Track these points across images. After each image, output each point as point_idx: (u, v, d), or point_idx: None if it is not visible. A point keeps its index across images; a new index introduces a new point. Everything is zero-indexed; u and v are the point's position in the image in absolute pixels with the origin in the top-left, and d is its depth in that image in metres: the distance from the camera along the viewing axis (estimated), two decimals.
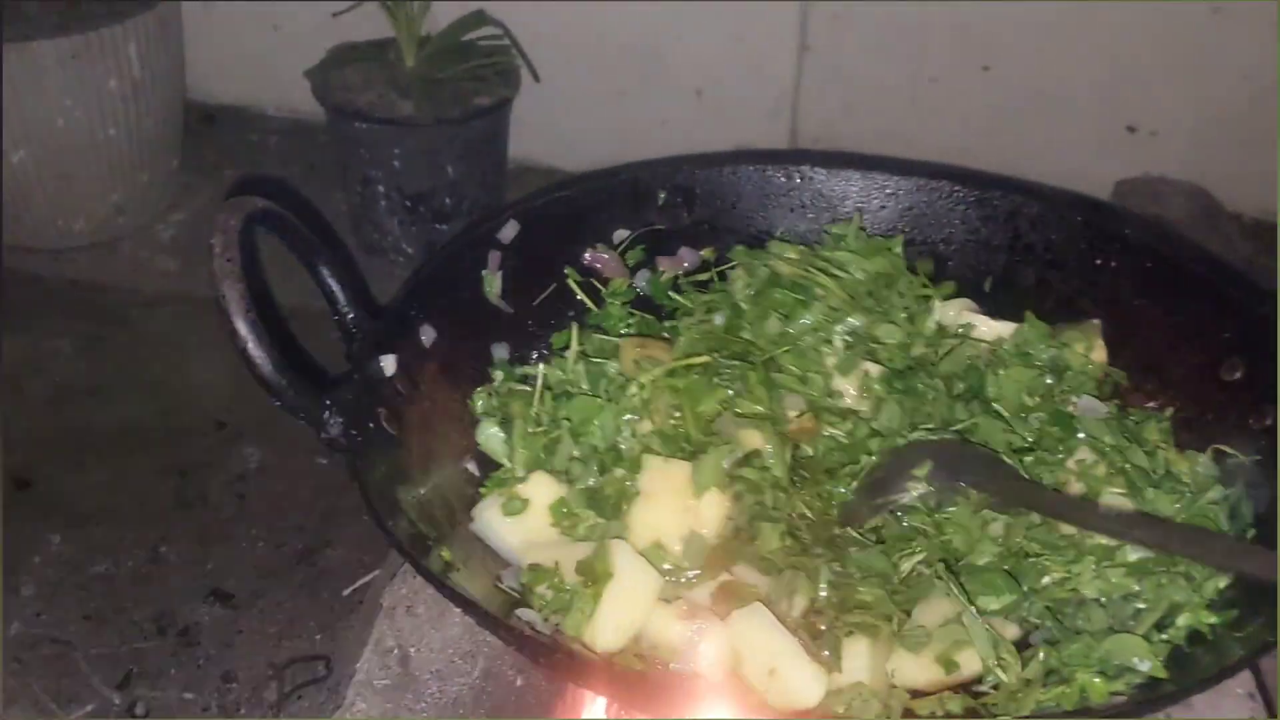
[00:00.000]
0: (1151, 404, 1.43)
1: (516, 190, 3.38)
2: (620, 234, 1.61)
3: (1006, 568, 1.23)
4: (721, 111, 3.39)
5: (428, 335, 1.41)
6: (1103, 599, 1.21)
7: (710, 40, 3.30)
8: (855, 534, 1.28)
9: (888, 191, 1.61)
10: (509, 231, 1.52)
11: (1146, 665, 1.13)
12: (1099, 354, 1.46)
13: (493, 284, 1.51)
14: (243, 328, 1.16)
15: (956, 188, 1.58)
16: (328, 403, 1.22)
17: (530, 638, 1.09)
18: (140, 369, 2.91)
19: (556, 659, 1.09)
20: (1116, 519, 1.20)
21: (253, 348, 1.16)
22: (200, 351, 2.92)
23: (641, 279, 1.61)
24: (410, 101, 3.03)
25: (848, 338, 1.43)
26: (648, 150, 1.72)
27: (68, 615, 2.33)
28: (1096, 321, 1.49)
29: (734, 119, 3.38)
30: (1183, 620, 1.17)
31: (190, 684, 2.23)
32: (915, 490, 1.29)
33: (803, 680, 1.12)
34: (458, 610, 1.38)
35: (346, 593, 2.35)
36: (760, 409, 1.35)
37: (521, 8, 3.20)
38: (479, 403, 1.44)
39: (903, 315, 1.47)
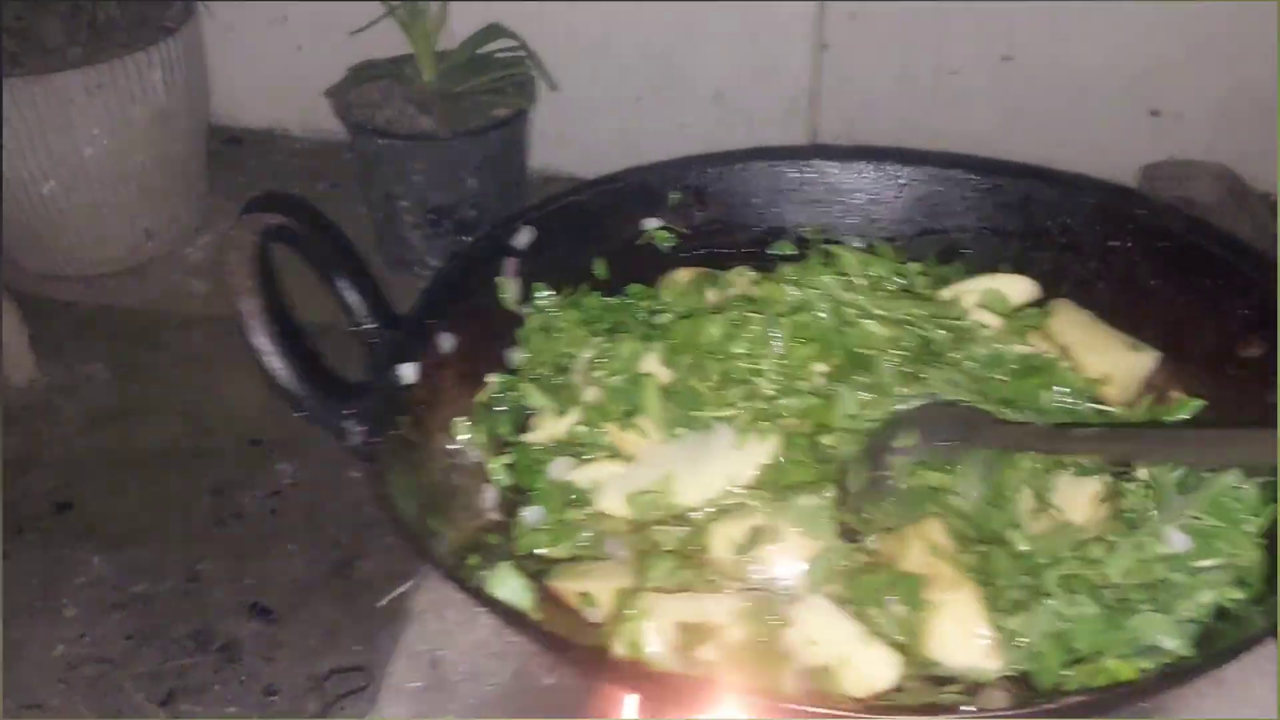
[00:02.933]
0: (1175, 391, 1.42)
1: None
2: (651, 222, 1.62)
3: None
4: (740, 113, 3.40)
5: (446, 343, 1.42)
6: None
7: (726, 42, 3.31)
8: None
9: (900, 182, 1.61)
10: (524, 238, 1.53)
11: (1174, 644, 1.13)
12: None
13: (508, 290, 1.52)
14: (261, 341, 1.17)
15: (969, 176, 1.57)
16: (347, 412, 1.23)
17: (550, 634, 1.09)
18: (174, 390, 2.96)
19: (577, 655, 1.10)
20: (1097, 437, 1.22)
21: (271, 360, 1.18)
22: (232, 371, 2.96)
23: None
24: (430, 116, 3.06)
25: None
26: (668, 155, 1.73)
27: (110, 635, 2.37)
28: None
29: (753, 120, 3.39)
30: (1207, 597, 1.16)
31: (233, 699, 2.27)
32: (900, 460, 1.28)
33: (876, 663, 1.12)
34: (487, 613, 1.39)
35: (382, 603, 2.37)
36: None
37: (537, 19, 3.23)
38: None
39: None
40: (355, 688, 2.26)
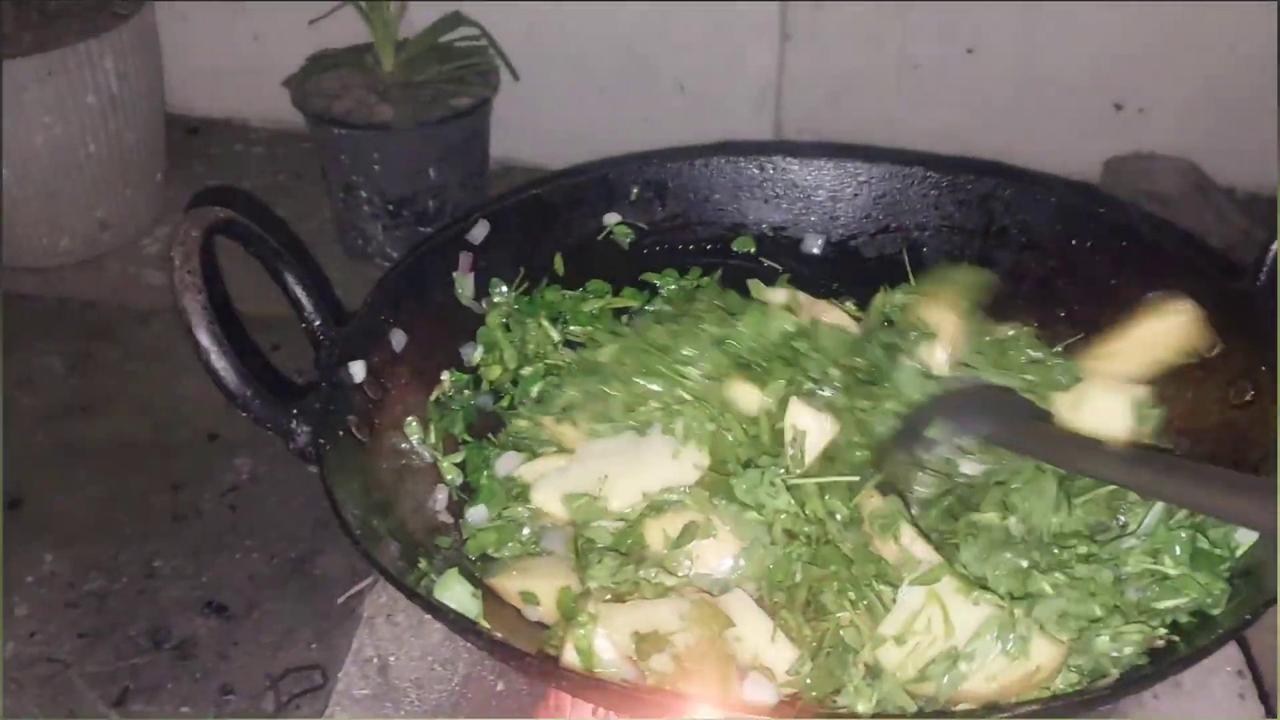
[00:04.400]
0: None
1: (500, 191, 3.37)
2: (612, 217, 1.61)
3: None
4: (705, 105, 3.38)
5: (398, 340, 1.40)
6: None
7: (691, 34, 3.29)
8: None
9: (860, 180, 1.60)
10: (479, 232, 1.51)
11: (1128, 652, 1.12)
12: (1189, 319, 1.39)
13: (464, 285, 1.50)
14: (205, 339, 1.15)
15: (929, 173, 1.57)
16: (294, 412, 1.21)
17: (508, 645, 1.08)
18: (130, 384, 2.91)
19: (527, 664, 1.08)
20: (1130, 462, 1.15)
21: (215, 359, 1.16)
22: (190, 365, 2.86)
23: None
24: (389, 106, 3.02)
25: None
26: (631, 146, 1.72)
27: (63, 633, 2.32)
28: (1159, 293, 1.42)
29: (718, 112, 3.36)
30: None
31: (188, 698, 2.23)
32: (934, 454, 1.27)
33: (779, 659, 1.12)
34: None
35: (340, 600, 2.35)
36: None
37: (498, 7, 3.19)
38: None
39: None
40: (312, 686, 2.23)
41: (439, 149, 3.05)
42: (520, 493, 1.33)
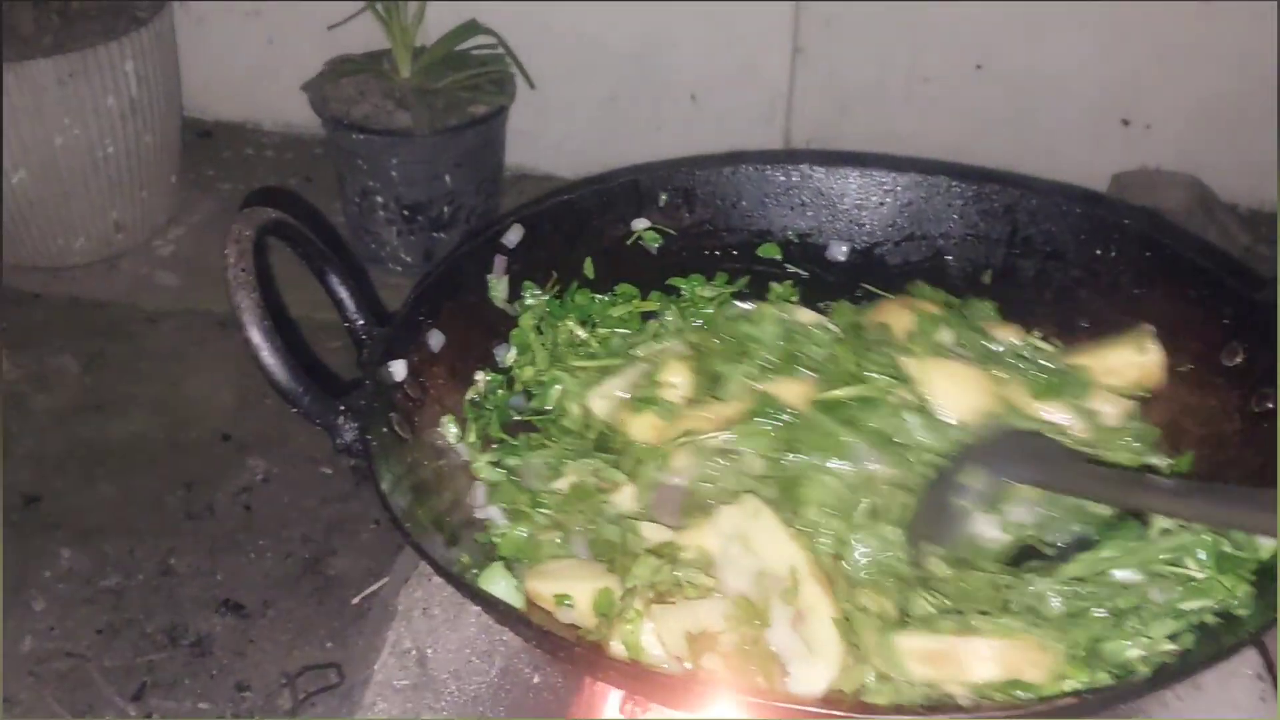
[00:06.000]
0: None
1: (513, 198, 3.41)
2: (640, 223, 1.63)
3: None
4: (716, 115, 3.41)
5: (436, 340, 1.43)
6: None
7: (703, 44, 3.32)
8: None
9: (885, 188, 1.63)
10: (513, 236, 1.54)
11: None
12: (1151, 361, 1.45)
13: (498, 288, 1.53)
14: (257, 336, 1.17)
15: (954, 183, 1.59)
16: (342, 409, 1.23)
17: (551, 633, 1.10)
18: (144, 384, 2.93)
19: (577, 654, 1.11)
20: (1185, 493, 1.17)
21: (268, 356, 1.17)
22: (204, 365, 2.94)
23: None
24: (406, 112, 3.05)
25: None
26: (643, 155, 1.74)
27: (80, 629, 2.35)
28: (1149, 327, 1.47)
29: (728, 122, 3.40)
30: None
31: (204, 694, 2.25)
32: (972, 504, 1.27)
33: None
34: (474, 611, 1.40)
35: (356, 600, 2.37)
36: None
37: (515, 16, 3.22)
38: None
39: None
40: (327, 684, 2.25)
41: (455, 155, 3.08)
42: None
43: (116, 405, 2.87)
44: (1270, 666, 1.33)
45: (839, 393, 1.38)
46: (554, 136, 3.47)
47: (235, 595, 2.43)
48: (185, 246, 3.37)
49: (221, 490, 2.66)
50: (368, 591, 2.37)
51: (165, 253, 3.36)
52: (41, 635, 2.32)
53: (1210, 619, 1.16)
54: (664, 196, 1.63)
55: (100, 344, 3.04)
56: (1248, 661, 1.33)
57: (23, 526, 2.53)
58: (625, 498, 1.32)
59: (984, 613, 1.17)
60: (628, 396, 1.47)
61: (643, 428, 1.41)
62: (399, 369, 1.35)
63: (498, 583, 1.20)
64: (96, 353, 3.02)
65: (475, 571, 1.22)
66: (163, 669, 2.28)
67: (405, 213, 3.12)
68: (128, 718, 2.19)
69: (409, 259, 3.20)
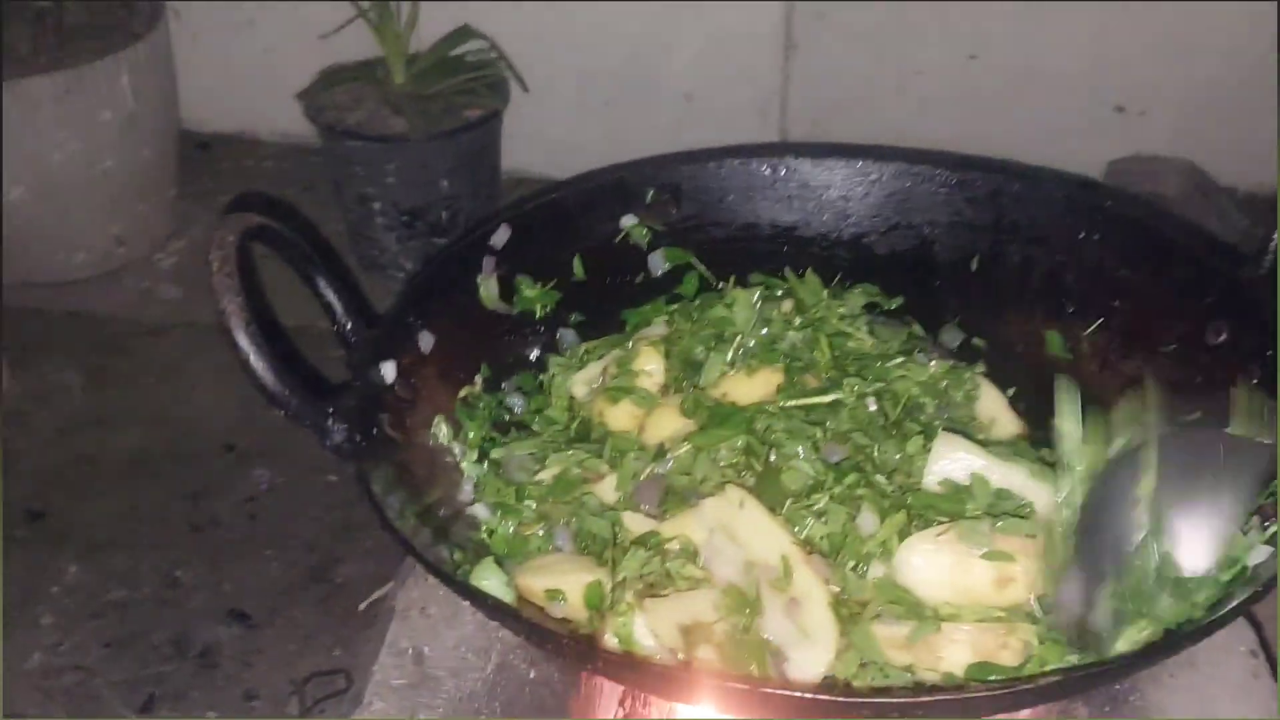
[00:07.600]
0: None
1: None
2: (628, 220, 1.64)
3: None
4: (711, 114, 3.42)
5: (426, 341, 1.43)
6: None
7: (696, 44, 3.33)
8: None
9: (871, 178, 1.63)
10: (501, 236, 1.55)
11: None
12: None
13: (488, 288, 1.54)
14: (243, 340, 1.18)
15: (938, 171, 1.60)
16: (330, 410, 1.24)
17: (543, 628, 1.11)
18: (147, 397, 2.94)
19: (570, 648, 1.11)
20: None
21: (254, 359, 1.18)
22: (206, 377, 2.95)
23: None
24: (401, 118, 3.06)
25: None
26: (639, 155, 1.75)
27: (87, 643, 2.35)
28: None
29: (723, 121, 3.40)
30: None
31: (213, 704, 2.26)
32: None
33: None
34: (470, 608, 1.41)
35: (362, 607, 2.37)
36: None
37: (508, 20, 3.23)
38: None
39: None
40: (335, 691, 2.25)
41: (451, 160, 3.09)
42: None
43: (119, 419, 2.88)
44: (1263, 644, 1.34)
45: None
46: (550, 139, 3.48)
47: (241, 605, 2.43)
48: (186, 259, 3.38)
49: (226, 501, 2.66)
50: (374, 597, 2.38)
51: (166, 266, 3.37)
52: (49, 650, 2.33)
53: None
54: (651, 193, 1.64)
55: (102, 358, 3.05)
56: (1241, 638, 1.34)
57: (28, 542, 2.54)
58: (607, 488, 1.33)
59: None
60: (605, 384, 1.47)
61: (621, 417, 1.42)
62: (389, 370, 1.36)
63: (489, 579, 1.21)
64: (99, 367, 3.03)
65: (467, 569, 1.23)
66: (170, 680, 2.29)
67: (404, 218, 3.13)
68: None
69: (409, 264, 3.21)
